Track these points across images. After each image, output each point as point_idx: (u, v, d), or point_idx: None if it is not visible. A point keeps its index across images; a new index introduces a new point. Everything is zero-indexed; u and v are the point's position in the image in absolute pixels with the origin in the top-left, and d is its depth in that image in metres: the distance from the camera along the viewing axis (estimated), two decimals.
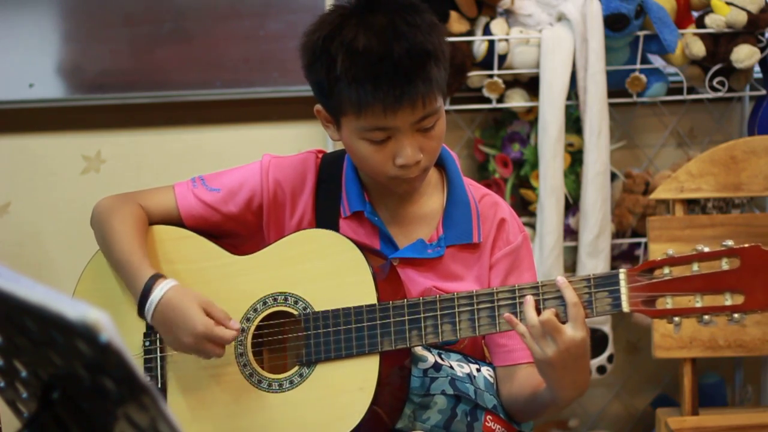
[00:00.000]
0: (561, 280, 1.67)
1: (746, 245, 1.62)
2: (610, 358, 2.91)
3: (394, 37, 1.71)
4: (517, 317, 1.70)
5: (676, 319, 1.65)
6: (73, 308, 1.00)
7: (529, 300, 1.68)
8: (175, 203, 1.92)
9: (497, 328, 1.73)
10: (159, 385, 1.85)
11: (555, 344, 1.65)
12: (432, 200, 1.91)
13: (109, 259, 1.89)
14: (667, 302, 1.65)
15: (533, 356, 1.68)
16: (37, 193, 2.95)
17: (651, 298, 1.66)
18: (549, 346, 1.65)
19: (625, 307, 1.66)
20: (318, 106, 1.83)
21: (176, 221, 1.92)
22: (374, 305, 1.76)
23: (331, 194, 1.90)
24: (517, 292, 1.71)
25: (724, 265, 1.63)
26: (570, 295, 1.66)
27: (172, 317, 1.76)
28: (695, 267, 1.64)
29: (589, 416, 3.14)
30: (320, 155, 1.95)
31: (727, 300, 1.63)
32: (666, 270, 1.65)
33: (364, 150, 1.77)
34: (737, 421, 2.57)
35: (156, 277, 1.79)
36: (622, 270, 1.67)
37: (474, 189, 1.92)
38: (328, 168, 1.92)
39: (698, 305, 1.64)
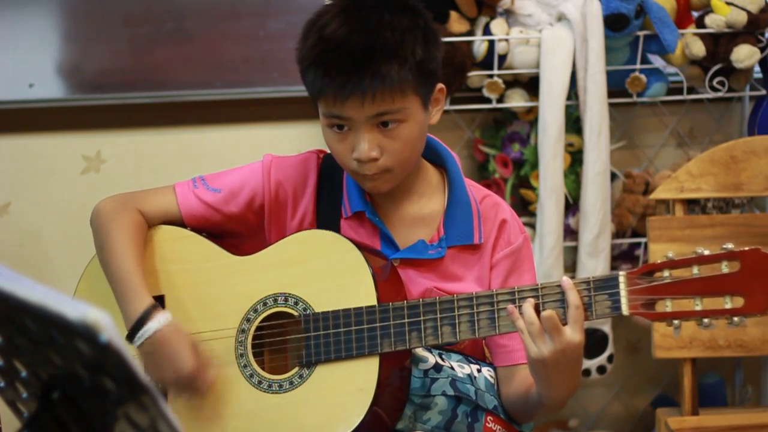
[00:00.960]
0: (566, 281, 1.67)
1: (746, 248, 1.61)
2: (610, 358, 2.91)
3: (360, 30, 1.74)
4: None
5: (676, 322, 1.65)
6: (73, 308, 1.00)
7: (530, 300, 1.68)
8: (176, 203, 1.92)
9: (497, 330, 1.72)
10: (159, 386, 1.85)
11: (552, 343, 1.65)
12: (433, 201, 1.90)
13: (105, 271, 1.88)
14: (667, 305, 1.64)
15: (528, 353, 1.68)
16: (37, 193, 2.95)
17: (651, 300, 1.65)
18: (546, 345, 1.65)
19: (625, 310, 1.66)
20: None
21: (177, 221, 1.92)
22: (374, 306, 1.75)
23: (332, 194, 1.90)
24: (516, 294, 1.70)
25: (724, 268, 1.62)
26: (573, 298, 1.66)
27: (163, 351, 1.77)
28: (695, 270, 1.63)
29: (589, 416, 3.14)
30: (321, 155, 1.95)
31: (727, 303, 1.62)
32: (666, 273, 1.64)
33: (329, 137, 1.80)
34: (737, 421, 2.57)
35: (153, 308, 1.79)
36: (621, 273, 1.66)
37: (475, 190, 1.92)
38: (330, 168, 1.92)
39: (698, 308, 1.63)
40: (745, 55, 2.76)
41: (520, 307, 1.69)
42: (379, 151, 1.76)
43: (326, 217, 1.89)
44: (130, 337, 1.79)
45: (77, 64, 3.01)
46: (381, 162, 1.77)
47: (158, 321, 1.77)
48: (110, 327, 1.00)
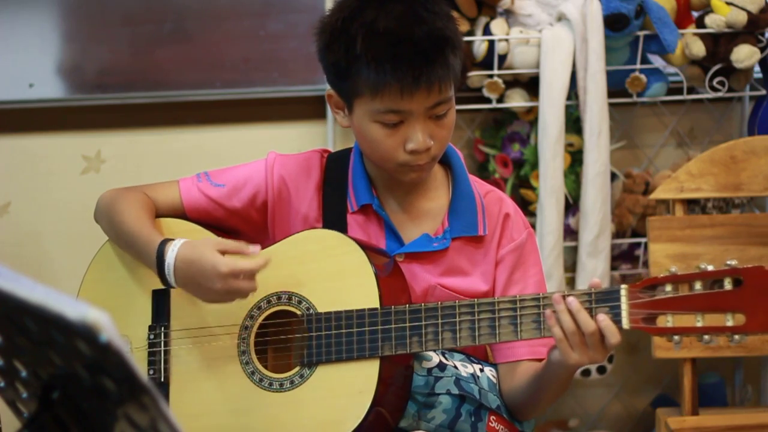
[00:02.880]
0: (573, 303, 1.66)
1: (749, 266, 1.60)
2: (610, 358, 2.91)
3: (414, 21, 1.74)
4: (517, 328, 1.71)
5: (676, 337, 1.64)
6: (73, 308, 1.00)
7: (575, 305, 1.66)
8: (179, 197, 1.93)
9: (497, 339, 1.73)
10: (162, 379, 1.85)
11: (593, 353, 1.66)
12: (438, 195, 1.92)
13: (119, 242, 1.90)
14: (668, 320, 1.64)
15: (565, 359, 1.68)
16: (37, 193, 2.95)
17: (652, 315, 1.65)
18: (586, 354, 1.67)
19: (626, 324, 1.66)
20: (329, 91, 1.85)
21: (180, 215, 1.93)
22: (376, 309, 1.76)
23: (338, 191, 1.91)
24: (518, 302, 1.71)
25: (727, 284, 1.61)
26: (586, 321, 1.66)
27: (194, 271, 1.76)
28: (698, 285, 1.62)
29: (589, 416, 3.14)
30: (325, 154, 1.96)
31: (729, 320, 1.61)
32: (668, 287, 1.64)
33: (375, 134, 1.78)
34: (737, 421, 2.57)
35: (165, 241, 1.80)
36: (623, 286, 1.66)
37: (479, 185, 1.95)
38: (334, 166, 1.93)
39: (699, 324, 1.62)
40: (745, 55, 2.76)
41: (521, 317, 1.69)
42: (430, 140, 1.78)
43: (333, 213, 1.90)
44: (165, 282, 1.80)
45: (77, 64, 3.01)
46: (431, 150, 1.79)
47: (172, 251, 1.78)
48: (110, 327, 1.00)
